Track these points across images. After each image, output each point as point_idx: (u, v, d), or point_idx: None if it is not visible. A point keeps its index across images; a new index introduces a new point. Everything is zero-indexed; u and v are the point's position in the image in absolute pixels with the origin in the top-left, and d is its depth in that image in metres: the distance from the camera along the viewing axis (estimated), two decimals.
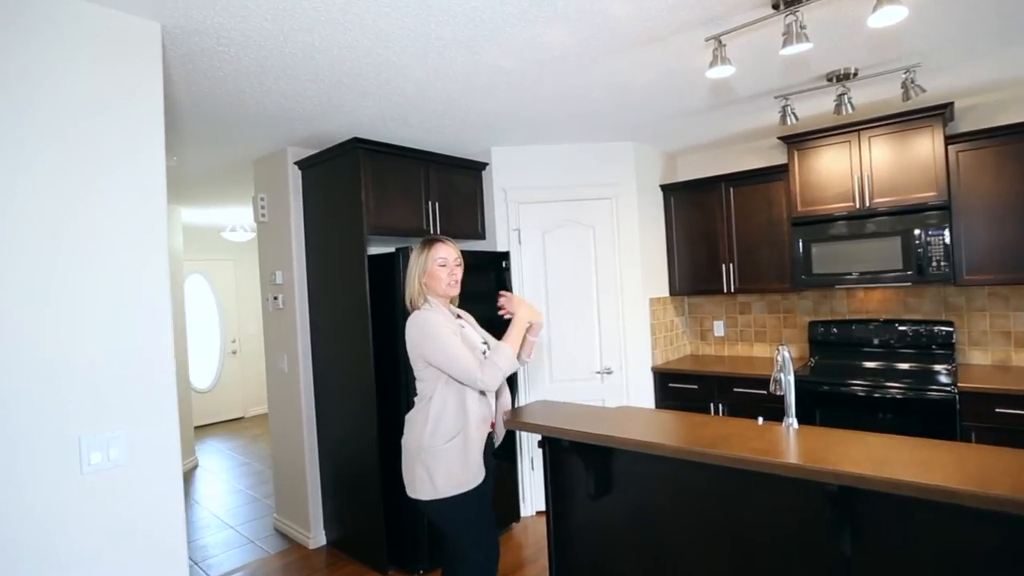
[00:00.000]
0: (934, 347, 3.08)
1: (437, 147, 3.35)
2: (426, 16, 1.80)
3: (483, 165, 3.51)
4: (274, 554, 3.25)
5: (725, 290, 3.59)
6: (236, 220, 5.65)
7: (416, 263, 1.93)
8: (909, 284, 3.05)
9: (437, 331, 1.81)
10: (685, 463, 1.50)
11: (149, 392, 1.64)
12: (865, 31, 2.10)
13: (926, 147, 2.89)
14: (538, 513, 3.53)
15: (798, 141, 3.25)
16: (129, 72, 1.64)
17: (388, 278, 2.85)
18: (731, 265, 3.57)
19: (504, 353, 1.81)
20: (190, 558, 3.27)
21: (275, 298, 3.40)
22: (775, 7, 1.83)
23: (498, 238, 3.51)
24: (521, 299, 1.98)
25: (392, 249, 2.89)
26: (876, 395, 2.83)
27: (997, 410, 2.54)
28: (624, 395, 3.53)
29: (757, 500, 1.54)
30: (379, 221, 2.92)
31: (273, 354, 3.50)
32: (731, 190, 3.57)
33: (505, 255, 3.35)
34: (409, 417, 1.92)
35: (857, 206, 3.07)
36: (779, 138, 3.35)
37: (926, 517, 1.23)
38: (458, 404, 1.83)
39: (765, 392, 3.17)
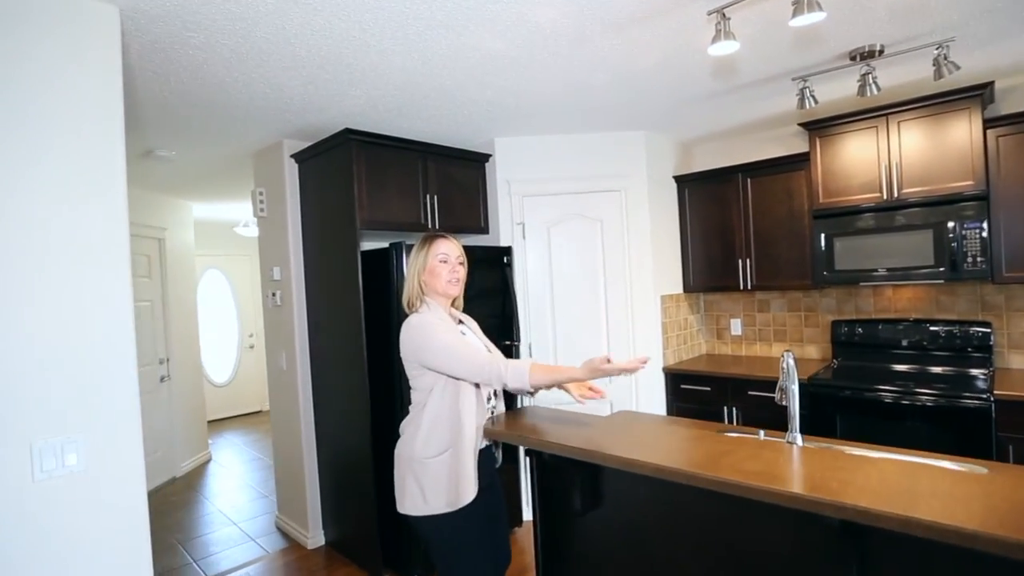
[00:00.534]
0: (970, 349, 2.83)
1: (438, 138, 3.23)
2: None
3: (486, 157, 3.38)
4: (272, 553, 3.22)
5: (741, 287, 3.39)
6: (248, 215, 5.66)
7: (415, 261, 1.80)
8: (941, 281, 2.80)
9: (435, 331, 1.68)
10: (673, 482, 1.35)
11: (110, 395, 1.56)
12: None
13: (962, 132, 2.63)
14: None
15: (820, 127, 3.02)
16: (86, 55, 1.56)
17: (383, 274, 2.76)
18: (748, 261, 3.36)
19: (520, 369, 1.60)
20: (190, 555, 3.27)
21: (273, 294, 3.35)
22: None
23: (502, 232, 3.38)
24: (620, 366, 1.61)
25: (387, 244, 2.79)
26: (904, 402, 2.61)
27: None
28: (633, 396, 3.37)
29: (755, 527, 1.39)
30: (373, 215, 2.82)
31: (273, 351, 3.46)
32: (748, 181, 3.35)
33: (507, 250, 3.22)
34: (403, 426, 1.81)
35: (884, 197, 2.83)
36: (800, 125, 3.12)
37: (948, 557, 1.06)
38: (453, 415, 1.70)
39: None
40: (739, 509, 1.40)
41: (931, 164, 2.71)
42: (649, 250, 3.40)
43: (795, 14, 1.63)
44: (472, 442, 1.71)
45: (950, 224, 2.66)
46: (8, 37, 1.43)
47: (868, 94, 2.42)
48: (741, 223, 3.38)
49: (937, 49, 2.24)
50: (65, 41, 1.52)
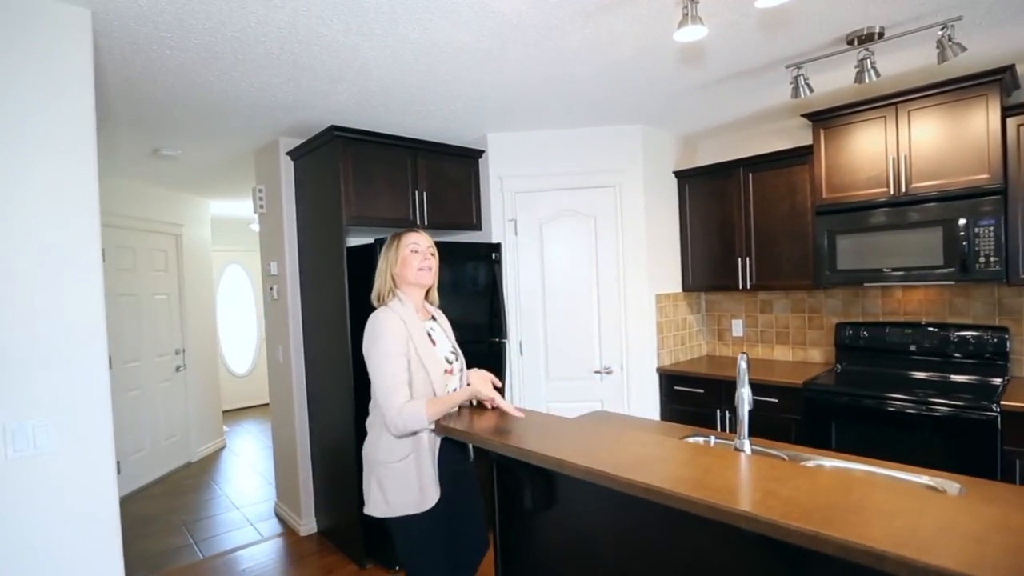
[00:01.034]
0: (985, 356, 2.63)
1: (429, 135, 3.23)
2: None
3: (479, 153, 3.36)
4: (267, 538, 3.31)
5: (740, 286, 3.26)
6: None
7: (387, 256, 1.83)
8: (951, 283, 2.62)
9: (384, 341, 1.68)
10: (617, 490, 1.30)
11: (80, 379, 1.65)
12: None
13: (978, 121, 2.44)
14: None
15: (825, 118, 2.86)
16: (56, 58, 1.62)
17: (368, 269, 2.76)
18: (747, 259, 3.23)
19: (417, 410, 1.64)
20: (192, 535, 3.39)
21: (272, 289, 3.43)
22: None
23: (494, 229, 3.35)
24: (485, 377, 1.84)
25: (371, 240, 2.81)
26: (906, 411, 2.45)
27: None
28: (625, 396, 3.30)
29: (691, 534, 1.32)
30: (360, 211, 2.85)
31: (272, 345, 3.55)
32: (749, 176, 3.22)
33: (496, 247, 3.19)
34: (367, 423, 1.84)
35: (892, 192, 2.66)
36: (804, 115, 2.97)
37: None
38: None
39: (776, 400, 2.84)
40: (674, 517, 1.34)
41: (943, 156, 2.53)
42: (644, 247, 3.31)
43: None
44: (430, 446, 1.71)
45: (961, 221, 2.47)
46: None
47: (866, 80, 2.27)
48: (741, 220, 3.25)
49: (941, 29, 2.08)
50: (33, 44, 1.58)
